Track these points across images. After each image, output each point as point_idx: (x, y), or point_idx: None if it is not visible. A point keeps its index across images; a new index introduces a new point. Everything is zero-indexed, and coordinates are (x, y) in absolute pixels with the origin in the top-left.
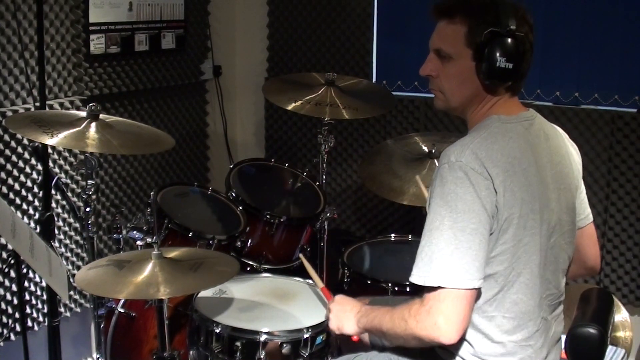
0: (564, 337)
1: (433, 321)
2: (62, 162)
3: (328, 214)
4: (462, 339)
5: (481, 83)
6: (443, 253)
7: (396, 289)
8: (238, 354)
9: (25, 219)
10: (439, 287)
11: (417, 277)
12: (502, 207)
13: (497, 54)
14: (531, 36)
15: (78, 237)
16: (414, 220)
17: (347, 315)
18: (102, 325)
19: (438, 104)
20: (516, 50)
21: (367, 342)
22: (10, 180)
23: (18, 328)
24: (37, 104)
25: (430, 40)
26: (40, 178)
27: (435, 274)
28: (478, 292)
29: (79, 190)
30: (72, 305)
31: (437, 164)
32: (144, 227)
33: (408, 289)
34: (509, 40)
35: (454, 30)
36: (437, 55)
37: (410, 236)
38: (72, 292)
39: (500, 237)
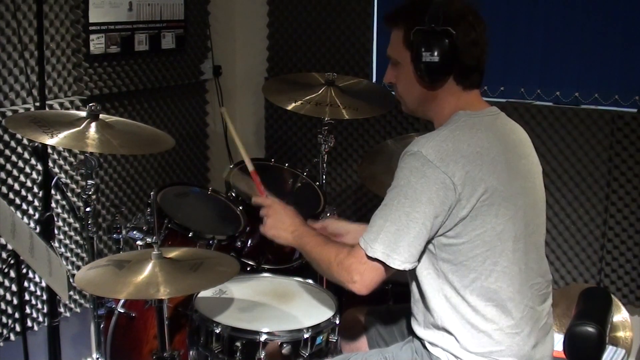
0: (562, 336)
1: (351, 276)
2: (62, 162)
3: (328, 214)
4: (450, 334)
5: (419, 81)
6: (380, 226)
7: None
8: (238, 354)
9: (25, 219)
10: (365, 252)
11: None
12: (467, 197)
13: (422, 49)
14: (473, 33)
15: (78, 237)
16: None
17: (284, 229)
18: (102, 325)
19: (403, 108)
20: (441, 44)
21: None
22: (10, 180)
23: (18, 328)
24: (37, 104)
25: None
26: (40, 178)
27: (367, 238)
28: (445, 279)
29: (79, 190)
30: (72, 305)
31: None
32: (144, 227)
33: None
34: (432, 34)
35: (396, 36)
36: (391, 63)
37: None
38: (72, 292)
39: (469, 225)
